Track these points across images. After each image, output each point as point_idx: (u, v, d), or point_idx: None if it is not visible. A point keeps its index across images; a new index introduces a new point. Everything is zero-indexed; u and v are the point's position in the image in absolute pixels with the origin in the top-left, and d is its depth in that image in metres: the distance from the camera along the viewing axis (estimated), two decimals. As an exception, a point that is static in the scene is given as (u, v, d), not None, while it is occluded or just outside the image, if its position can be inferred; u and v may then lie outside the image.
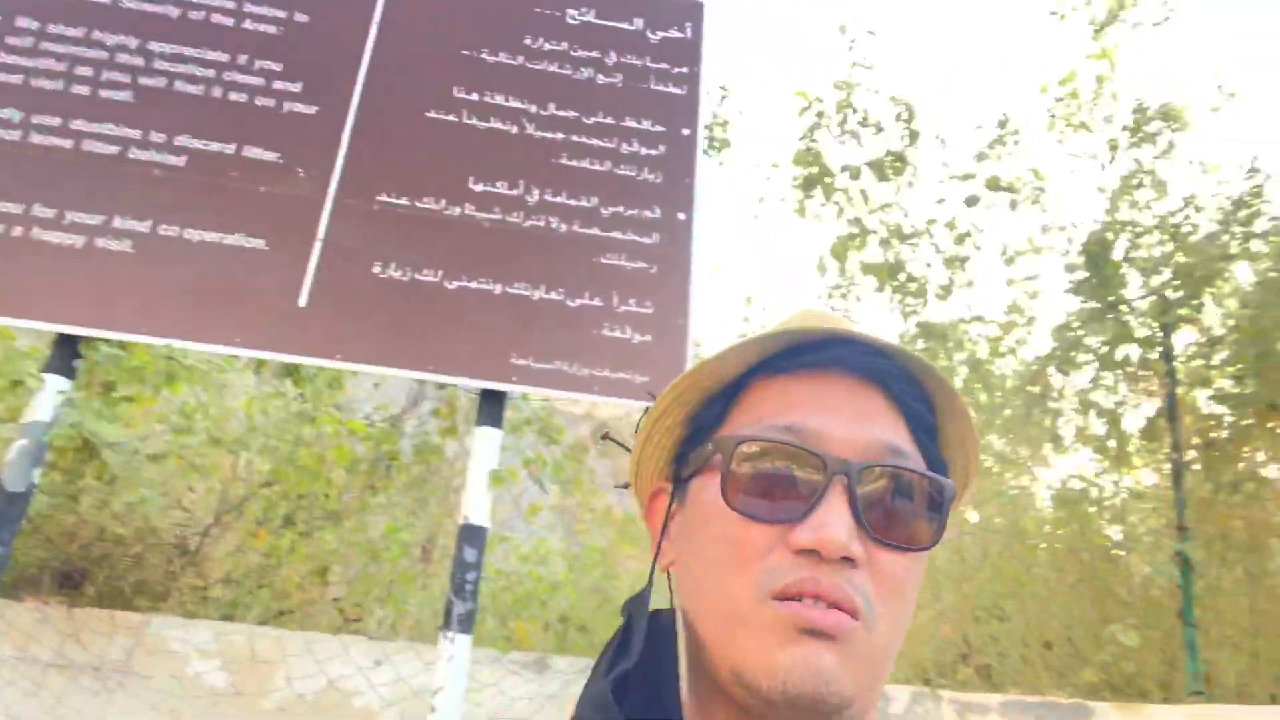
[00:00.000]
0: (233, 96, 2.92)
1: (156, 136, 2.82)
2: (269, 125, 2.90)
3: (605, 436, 0.96)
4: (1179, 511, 3.72)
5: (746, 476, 0.63)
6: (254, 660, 2.65)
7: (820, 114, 3.96)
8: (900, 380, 0.69)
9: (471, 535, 2.59)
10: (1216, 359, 3.82)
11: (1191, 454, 4.06)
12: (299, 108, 2.96)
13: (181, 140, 2.82)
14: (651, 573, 0.74)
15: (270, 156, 2.87)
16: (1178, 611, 3.77)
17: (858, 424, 0.65)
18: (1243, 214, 3.74)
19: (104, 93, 2.84)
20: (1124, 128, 4.09)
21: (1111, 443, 3.92)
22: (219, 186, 2.79)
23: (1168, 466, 3.93)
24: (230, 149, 2.84)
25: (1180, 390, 3.87)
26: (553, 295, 2.86)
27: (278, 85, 2.97)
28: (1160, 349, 3.76)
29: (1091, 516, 4.16)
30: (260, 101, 2.94)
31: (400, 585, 3.38)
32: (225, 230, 2.73)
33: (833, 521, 0.60)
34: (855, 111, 3.91)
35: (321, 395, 3.11)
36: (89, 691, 2.50)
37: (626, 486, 0.82)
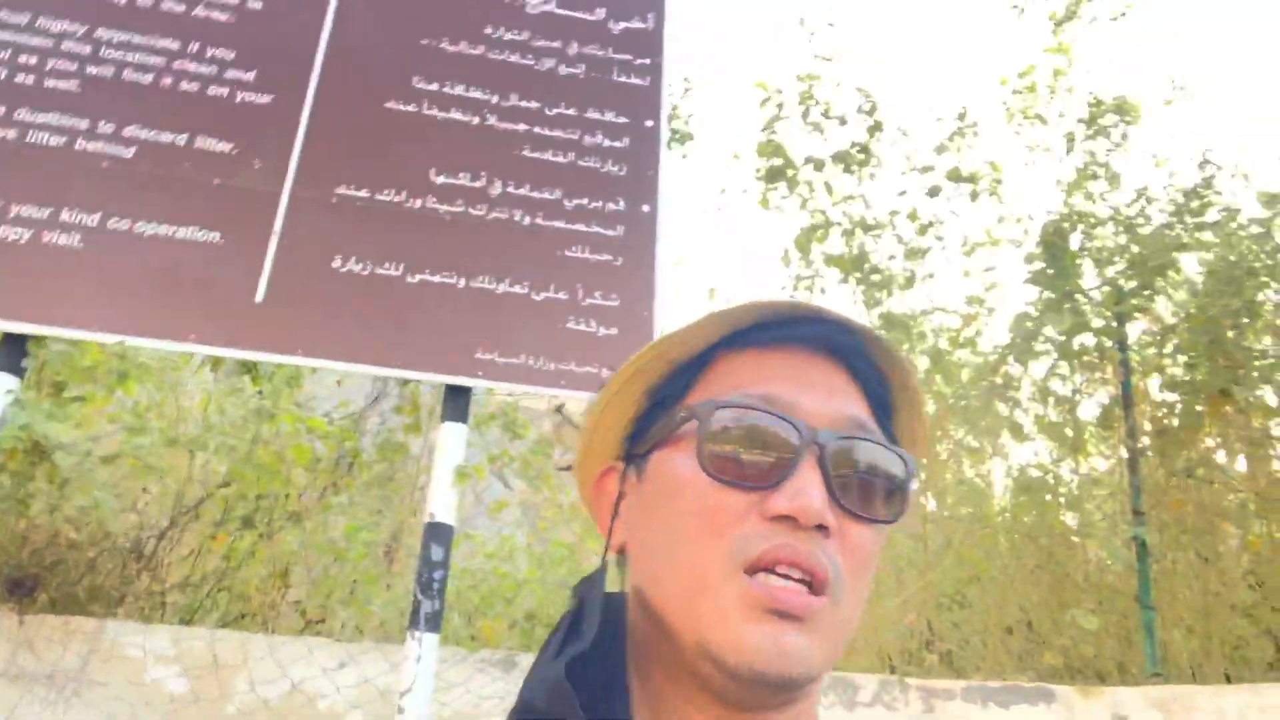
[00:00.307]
0: (184, 86, 2.85)
1: (105, 127, 2.73)
2: (222, 115, 2.83)
3: (558, 410, 0.95)
4: (1135, 496, 3.79)
5: (722, 442, 0.63)
6: (215, 665, 2.58)
7: (780, 105, 3.96)
8: (863, 359, 0.71)
9: (437, 533, 2.55)
10: (1169, 347, 3.90)
11: (1145, 441, 4.15)
12: (253, 97, 2.89)
13: (131, 131, 2.74)
14: (605, 553, 0.72)
15: (224, 147, 2.80)
16: (1134, 595, 3.84)
17: (828, 398, 0.67)
18: (1194, 205, 3.82)
19: (50, 82, 2.75)
20: (1079, 120, 4.16)
21: (1068, 430, 3.99)
22: (171, 178, 2.72)
23: (1122, 453, 4.01)
24: (182, 140, 2.77)
25: (1134, 378, 3.94)
26: (517, 289, 2.83)
27: (231, 74, 2.90)
28: (1115, 338, 3.83)
29: (1049, 504, 4.23)
30: (213, 91, 2.87)
31: (364, 586, 3.32)
32: (178, 223, 2.66)
33: (810, 489, 0.61)
34: (818, 103, 3.92)
35: (280, 393, 3.04)
36: (43, 701, 2.42)
37: (569, 469, 0.81)
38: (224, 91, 2.90)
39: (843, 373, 0.70)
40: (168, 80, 2.86)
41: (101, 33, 2.85)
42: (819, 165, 3.79)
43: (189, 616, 2.94)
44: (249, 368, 2.87)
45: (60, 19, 2.85)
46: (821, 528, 0.61)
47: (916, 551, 4.29)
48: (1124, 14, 4.47)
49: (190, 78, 2.89)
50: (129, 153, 2.74)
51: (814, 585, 0.61)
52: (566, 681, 0.60)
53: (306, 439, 2.90)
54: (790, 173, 3.77)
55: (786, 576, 0.60)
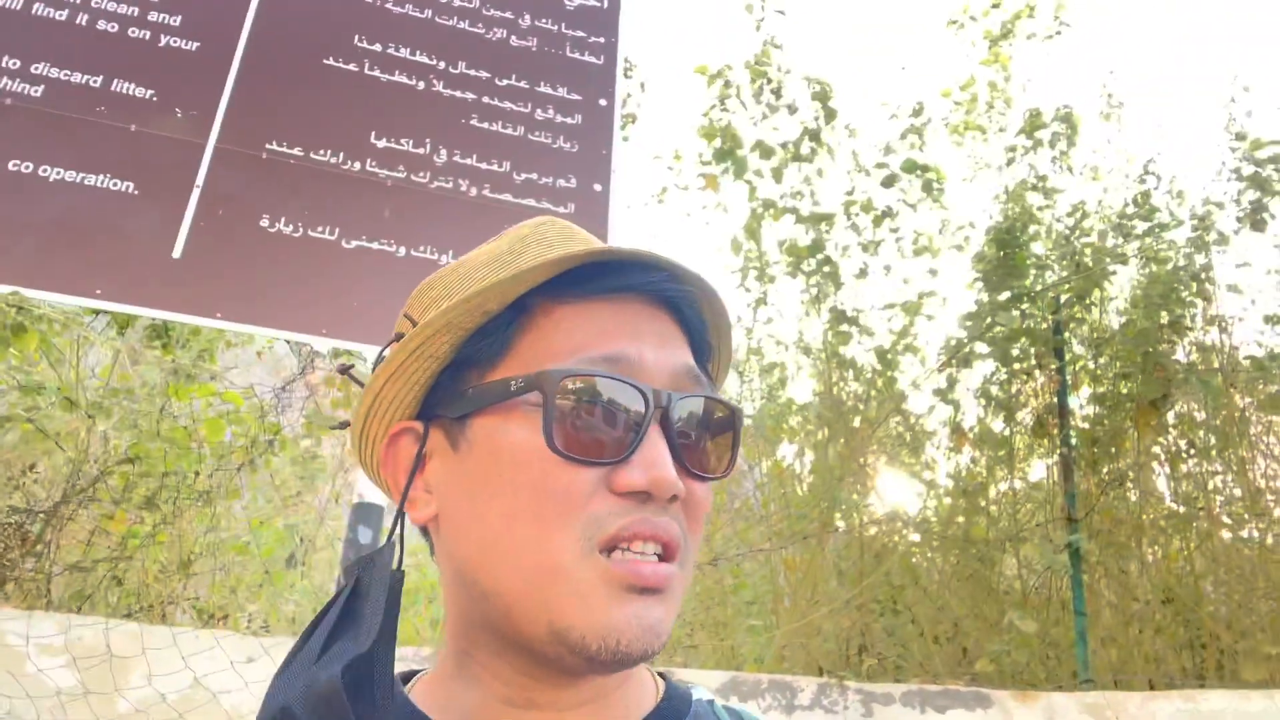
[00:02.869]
0: (101, 25, 2.63)
1: (9, 63, 2.49)
2: (142, 59, 2.61)
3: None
4: (1069, 504, 3.82)
5: (571, 418, 0.59)
6: (108, 656, 2.33)
7: (727, 83, 3.88)
8: (689, 306, 0.68)
9: (366, 514, 2.37)
10: (1104, 357, 3.96)
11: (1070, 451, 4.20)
12: (178, 43, 2.69)
13: (39, 68, 2.51)
14: (398, 527, 0.66)
15: (143, 93, 2.58)
16: (1065, 603, 3.86)
17: (665, 352, 0.64)
18: (1129, 219, 3.90)
19: (-54, 11, 2.49)
20: (1019, 132, 4.22)
21: (1005, 437, 4.01)
22: (82, 122, 2.49)
23: (1053, 460, 4.05)
24: (96, 82, 2.54)
25: (1069, 389, 3.99)
26: (460, 261, 2.69)
27: (154, 17, 2.70)
28: (1052, 347, 3.87)
29: (981, 511, 4.25)
30: (133, 33, 2.65)
31: (275, 580, 3.08)
32: (88, 170, 2.43)
33: (661, 460, 0.59)
34: (770, 82, 3.85)
35: (195, 367, 2.80)
36: (-98, 691, 2.14)
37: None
38: (145, 34, 2.69)
39: (672, 322, 0.67)
40: (83, 18, 2.65)
41: (9, -38, 2.61)
42: (766, 152, 3.72)
43: (78, 605, 2.66)
44: (160, 333, 2.63)
45: (-38, -57, 2.59)
46: (673, 498, 0.59)
47: (849, 558, 4.25)
48: (1059, 33, 4.57)
49: (108, 17, 2.68)
50: (36, 91, 2.50)
51: (666, 554, 0.60)
52: (342, 690, 0.54)
53: (223, 413, 2.67)
54: (738, 154, 3.69)
55: (641, 552, 0.58)
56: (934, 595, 4.15)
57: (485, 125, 2.91)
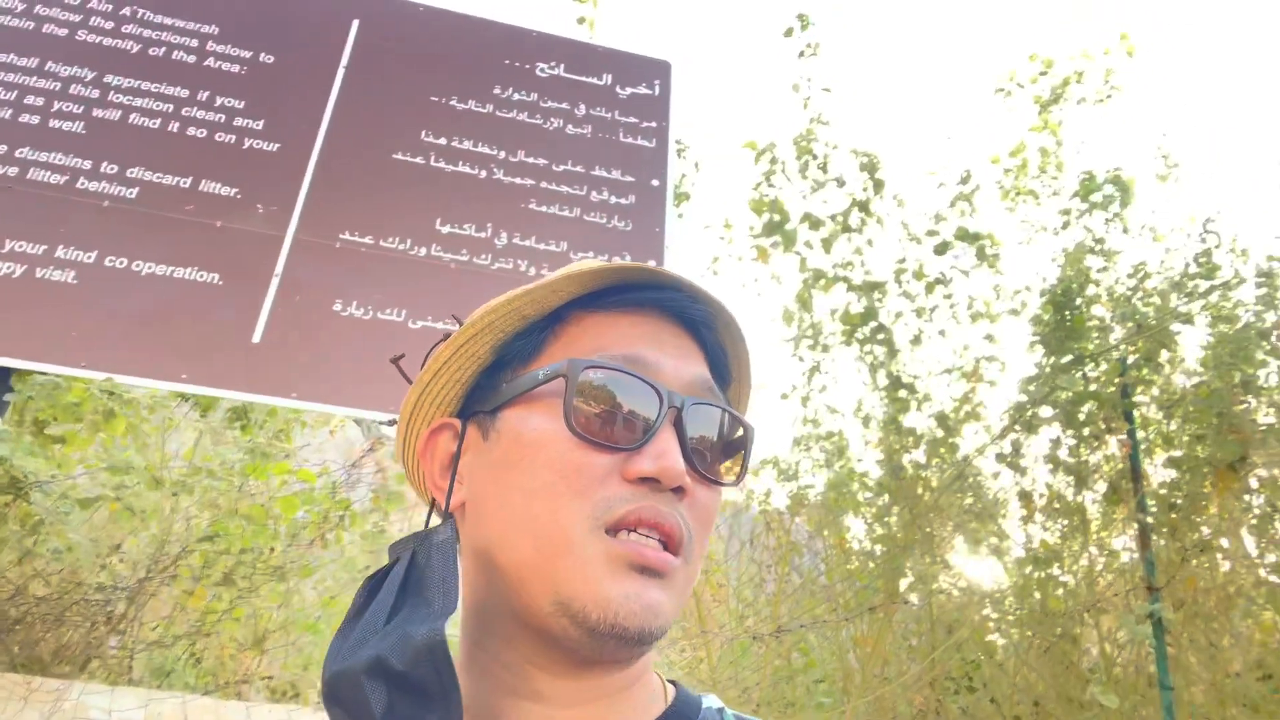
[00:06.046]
0: (191, 131, 2.84)
1: (108, 168, 2.71)
2: (228, 161, 2.81)
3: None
4: (1149, 572, 3.68)
5: (589, 402, 0.64)
6: (185, 729, 2.39)
7: (773, 160, 3.97)
8: (707, 329, 0.73)
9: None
10: (1176, 420, 3.86)
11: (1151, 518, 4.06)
12: (260, 144, 2.89)
13: (134, 172, 2.72)
14: (433, 509, 0.71)
15: (228, 191, 2.77)
16: (1151, 677, 3.69)
17: (683, 362, 0.69)
18: (1192, 278, 3.84)
19: (54, 123, 2.73)
20: (1073, 195, 4.21)
21: (1076, 503, 3.90)
22: (172, 220, 2.68)
23: (1132, 530, 3.92)
24: (186, 182, 2.74)
25: (1141, 452, 3.88)
26: (521, 338, 2.79)
27: (239, 122, 2.91)
28: (1122, 410, 3.78)
29: (1056, 582, 4.11)
30: (220, 137, 2.86)
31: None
32: (177, 264, 2.61)
33: (672, 452, 0.62)
34: (815, 158, 3.93)
35: (271, 446, 2.92)
36: (-4, 761, 2.22)
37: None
38: (231, 138, 2.90)
39: (691, 340, 0.72)
40: (175, 125, 2.86)
41: (110, 78, 2.86)
42: (815, 224, 3.78)
43: (158, 682, 2.74)
44: (240, 414, 2.77)
45: (70, 65, 2.85)
46: (679, 489, 0.63)
47: (920, 631, 4.13)
48: (1109, 96, 4.59)
49: (198, 124, 2.89)
50: (131, 193, 2.70)
51: (669, 545, 0.62)
52: (445, 642, 0.57)
53: (295, 490, 2.77)
54: (787, 229, 3.75)
55: (646, 537, 0.61)
56: (1011, 671, 4.00)
57: (543, 209, 3.05)
